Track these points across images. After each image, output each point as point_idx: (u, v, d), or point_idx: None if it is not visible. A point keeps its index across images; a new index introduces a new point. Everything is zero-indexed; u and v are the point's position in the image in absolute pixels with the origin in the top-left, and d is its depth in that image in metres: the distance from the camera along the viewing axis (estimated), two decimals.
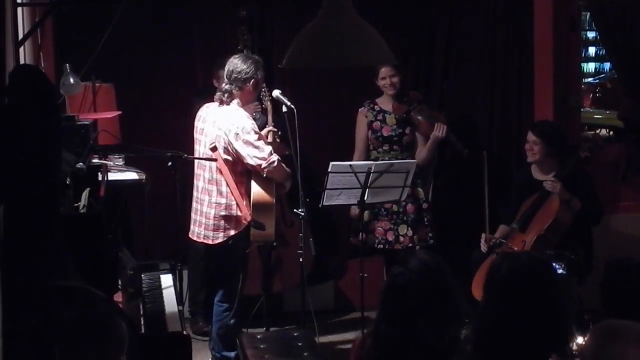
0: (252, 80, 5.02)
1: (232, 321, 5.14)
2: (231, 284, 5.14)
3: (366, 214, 5.64)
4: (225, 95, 5.04)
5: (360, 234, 5.62)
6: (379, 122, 5.83)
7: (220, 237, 5.09)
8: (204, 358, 5.44)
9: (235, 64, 5.03)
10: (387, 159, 5.70)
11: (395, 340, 3.01)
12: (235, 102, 5.04)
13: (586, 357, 2.29)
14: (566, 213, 5.35)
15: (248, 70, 5.01)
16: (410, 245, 5.71)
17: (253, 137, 4.93)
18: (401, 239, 5.75)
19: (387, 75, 5.74)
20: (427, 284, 3.04)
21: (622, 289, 3.26)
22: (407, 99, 5.81)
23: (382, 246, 5.81)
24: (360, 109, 5.91)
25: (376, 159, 5.72)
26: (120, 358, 2.63)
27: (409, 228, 5.75)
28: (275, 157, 4.95)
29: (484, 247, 5.50)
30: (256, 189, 5.01)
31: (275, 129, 5.31)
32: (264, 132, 5.26)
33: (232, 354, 5.07)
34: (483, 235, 5.51)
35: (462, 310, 3.05)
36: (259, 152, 4.93)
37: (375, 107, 5.86)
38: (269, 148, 4.98)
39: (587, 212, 5.43)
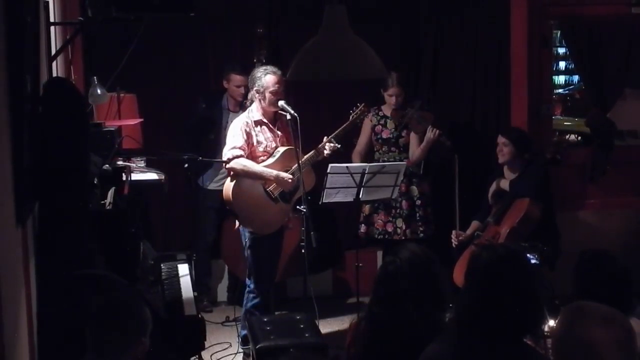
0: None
1: (252, 302, 5.16)
2: (255, 271, 5.17)
3: (367, 207, 5.75)
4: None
5: (362, 225, 5.76)
6: (380, 126, 5.87)
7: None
8: (208, 336, 5.41)
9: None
10: (386, 159, 5.73)
11: (386, 320, 3.03)
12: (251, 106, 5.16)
13: (556, 335, 2.29)
14: (536, 208, 5.35)
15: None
16: (403, 237, 5.71)
17: (230, 133, 5.07)
18: (398, 230, 5.77)
19: (394, 94, 5.76)
20: (415, 271, 3.06)
21: (595, 279, 3.25)
22: (404, 113, 5.82)
23: (382, 237, 5.83)
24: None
25: (378, 159, 5.75)
26: (143, 339, 2.64)
27: (403, 222, 5.77)
28: (230, 155, 5.00)
29: (454, 242, 5.54)
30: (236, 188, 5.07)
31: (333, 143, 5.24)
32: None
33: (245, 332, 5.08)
34: (454, 232, 5.54)
35: (446, 295, 3.07)
36: (226, 146, 5.08)
37: (380, 112, 5.90)
38: (236, 145, 5.01)
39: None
